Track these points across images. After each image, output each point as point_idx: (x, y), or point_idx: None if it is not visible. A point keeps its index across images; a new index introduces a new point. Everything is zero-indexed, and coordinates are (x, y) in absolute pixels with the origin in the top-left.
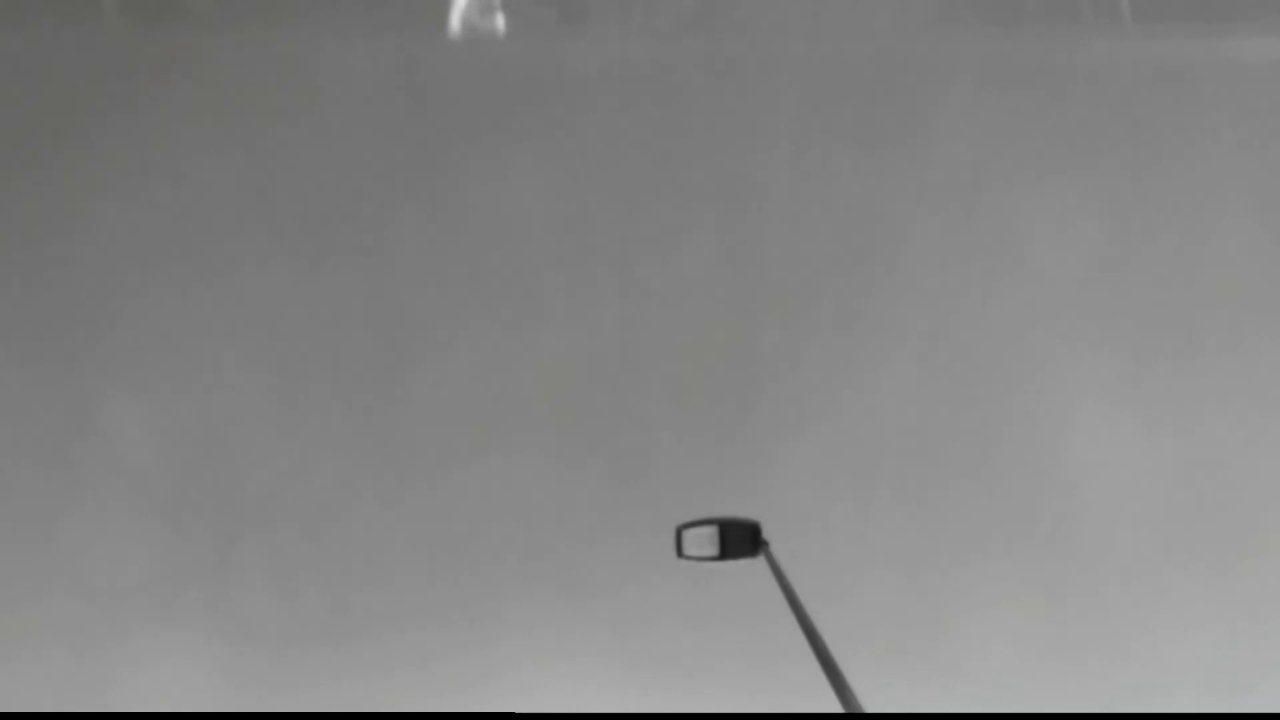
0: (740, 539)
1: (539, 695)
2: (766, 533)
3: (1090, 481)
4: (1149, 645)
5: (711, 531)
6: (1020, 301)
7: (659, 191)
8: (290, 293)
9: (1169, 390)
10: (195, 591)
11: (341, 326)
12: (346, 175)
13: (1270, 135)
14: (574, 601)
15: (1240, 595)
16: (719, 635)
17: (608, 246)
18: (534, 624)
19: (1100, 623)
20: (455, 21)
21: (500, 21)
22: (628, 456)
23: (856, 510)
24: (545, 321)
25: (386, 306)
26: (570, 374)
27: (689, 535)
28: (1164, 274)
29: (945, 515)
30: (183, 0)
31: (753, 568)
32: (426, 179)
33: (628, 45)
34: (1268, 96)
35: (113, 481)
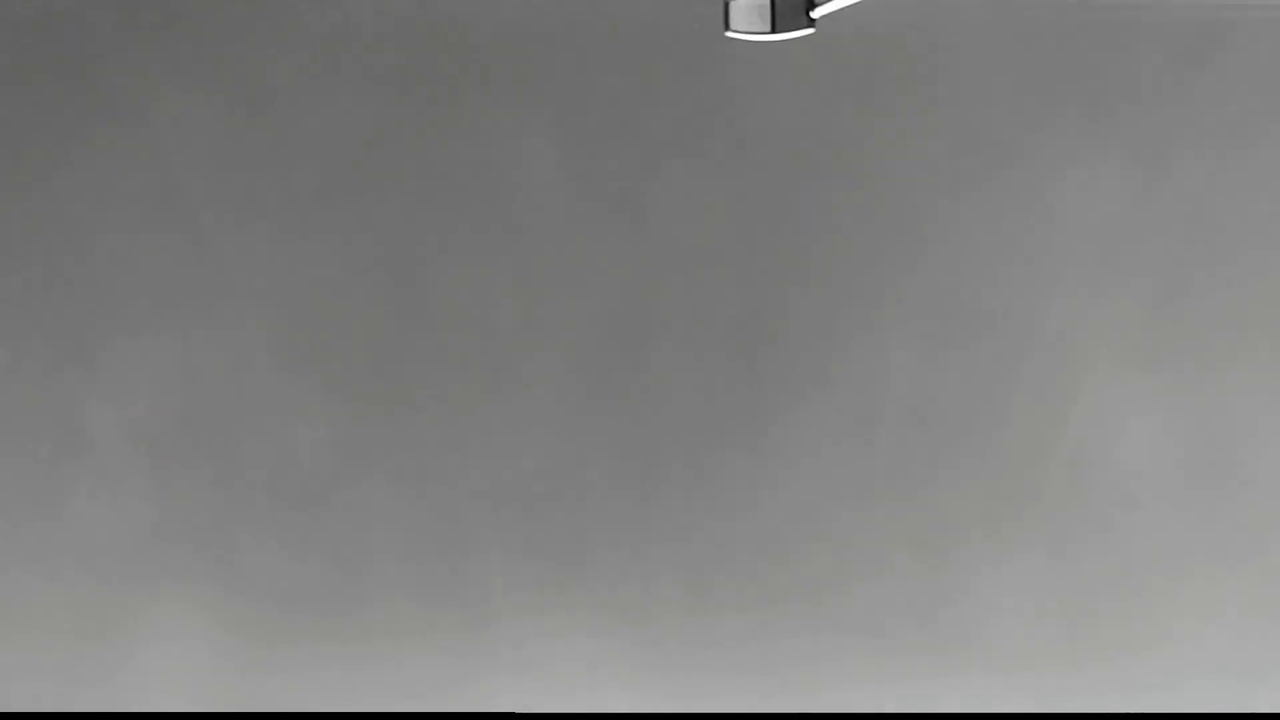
0: (793, 9)
1: (535, 678)
2: None
3: (1106, 451)
4: (1159, 628)
5: (761, 2)
6: (1039, 259)
7: (675, 148)
8: (293, 249)
9: (1193, 357)
10: (194, 557)
11: (344, 289)
12: (352, 130)
13: None
14: (576, 584)
15: (1261, 577)
16: (723, 624)
17: (624, 204)
18: (533, 604)
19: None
20: None
21: None
22: (639, 424)
23: (858, 475)
24: (556, 284)
25: (391, 268)
26: (581, 340)
27: (736, 7)
28: (1190, 226)
29: (951, 491)
30: None
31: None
32: (435, 131)
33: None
34: None
35: (108, 450)
